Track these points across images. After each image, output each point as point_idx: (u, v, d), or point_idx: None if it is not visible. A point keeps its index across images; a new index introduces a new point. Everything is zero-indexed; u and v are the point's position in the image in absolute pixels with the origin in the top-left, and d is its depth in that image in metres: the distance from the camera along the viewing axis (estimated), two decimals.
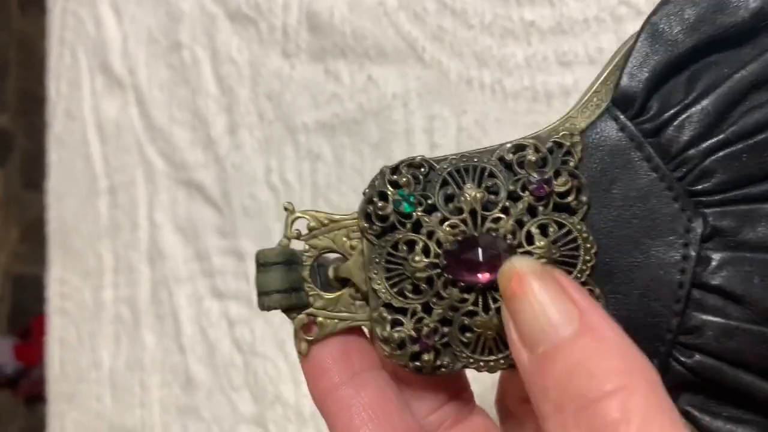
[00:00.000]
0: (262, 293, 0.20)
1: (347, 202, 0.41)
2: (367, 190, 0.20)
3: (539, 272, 0.18)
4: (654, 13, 0.20)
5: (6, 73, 1.90)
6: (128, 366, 0.61)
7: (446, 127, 0.36)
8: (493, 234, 0.19)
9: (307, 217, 0.21)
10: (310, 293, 0.21)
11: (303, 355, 0.21)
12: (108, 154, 0.65)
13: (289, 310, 0.21)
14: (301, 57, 0.45)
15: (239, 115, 0.50)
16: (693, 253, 0.19)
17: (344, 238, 0.21)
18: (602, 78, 0.20)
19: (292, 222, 0.21)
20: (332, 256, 0.21)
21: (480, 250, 0.19)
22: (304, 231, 0.21)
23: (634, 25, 0.30)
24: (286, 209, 0.21)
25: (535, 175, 0.19)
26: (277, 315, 0.46)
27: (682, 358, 0.19)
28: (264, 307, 0.21)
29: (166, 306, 0.56)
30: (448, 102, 0.36)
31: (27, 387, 1.79)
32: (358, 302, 0.21)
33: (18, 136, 1.96)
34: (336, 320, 0.21)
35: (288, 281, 0.20)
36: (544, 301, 0.17)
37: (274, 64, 0.47)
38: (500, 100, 0.34)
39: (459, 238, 0.19)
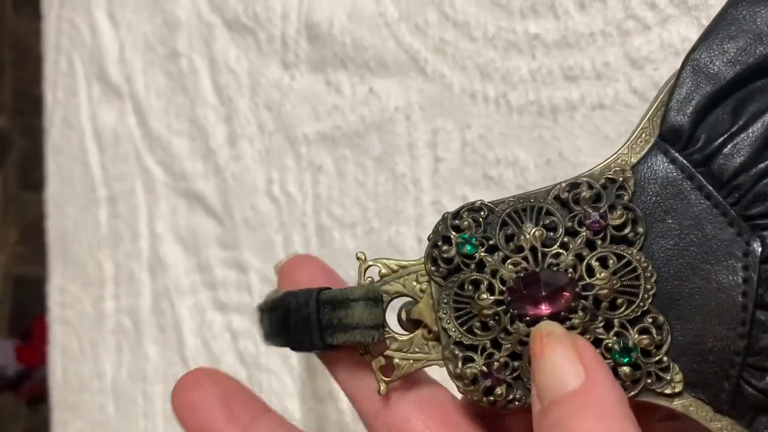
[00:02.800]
0: (341, 326, 0.22)
1: (350, 215, 0.41)
2: (431, 236, 0.21)
3: (558, 336, 0.19)
4: (694, 49, 0.20)
5: (1, 74, 1.88)
6: (131, 376, 0.61)
7: (450, 140, 0.36)
8: (554, 269, 0.20)
9: (378, 265, 0.22)
10: (386, 336, 0.22)
11: (383, 396, 0.22)
12: (106, 163, 0.65)
13: (361, 347, 0.22)
14: (300, 68, 0.44)
15: (239, 125, 0.49)
16: (754, 275, 0.19)
17: (414, 282, 0.22)
18: (648, 115, 0.21)
19: (365, 270, 0.22)
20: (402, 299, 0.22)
21: (542, 284, 0.20)
22: (376, 278, 0.22)
23: (641, 40, 0.29)
24: (358, 258, 0.22)
25: (591, 210, 0.20)
26: None
27: (753, 381, 0.20)
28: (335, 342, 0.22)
29: (168, 317, 0.56)
30: (452, 115, 0.35)
31: (29, 388, 1.79)
32: (431, 342, 0.22)
33: (15, 137, 1.96)
34: (412, 360, 0.22)
35: (363, 319, 0.21)
36: (556, 362, 0.19)
37: (273, 75, 0.47)
38: (505, 114, 0.33)
39: (521, 274, 0.20)
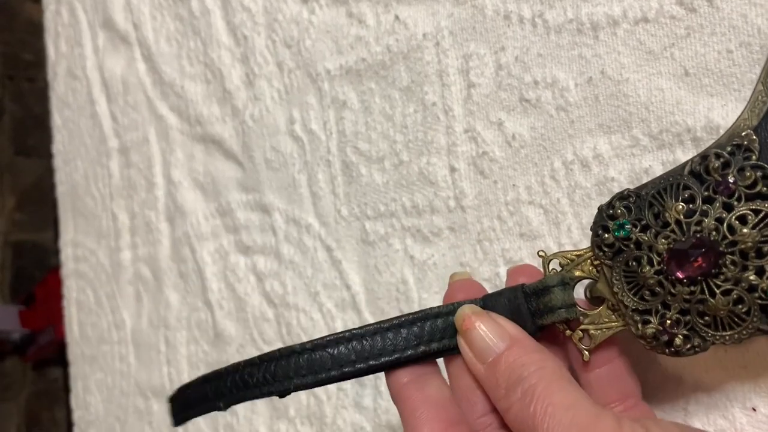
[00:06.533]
0: (548, 309, 0.26)
1: (378, 149, 0.41)
2: (592, 227, 0.25)
3: (479, 312, 0.26)
4: None
5: None
6: (151, 324, 0.61)
7: (483, 65, 0.35)
8: (698, 235, 0.23)
9: (558, 258, 0.26)
10: (579, 314, 0.26)
11: (586, 361, 0.26)
12: (116, 113, 0.64)
13: (564, 323, 0.26)
14: (320, 1, 0.43)
15: (256, 64, 0.48)
16: None
17: (590, 267, 0.26)
18: (760, 79, 0.23)
19: (548, 263, 0.26)
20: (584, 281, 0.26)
21: (688, 251, 0.23)
22: (558, 268, 0.26)
23: None
24: (540, 255, 0.27)
25: (720, 177, 0.22)
26: (310, 267, 0.45)
27: None
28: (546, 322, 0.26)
29: (190, 263, 0.55)
30: (485, 39, 0.35)
31: (35, 352, 1.80)
32: (614, 313, 0.25)
33: (6, 103, 1.93)
34: (604, 329, 0.26)
35: (564, 300, 0.26)
36: (485, 330, 0.25)
37: (291, 10, 0.46)
38: (542, 34, 0.32)
39: (672, 245, 0.23)
